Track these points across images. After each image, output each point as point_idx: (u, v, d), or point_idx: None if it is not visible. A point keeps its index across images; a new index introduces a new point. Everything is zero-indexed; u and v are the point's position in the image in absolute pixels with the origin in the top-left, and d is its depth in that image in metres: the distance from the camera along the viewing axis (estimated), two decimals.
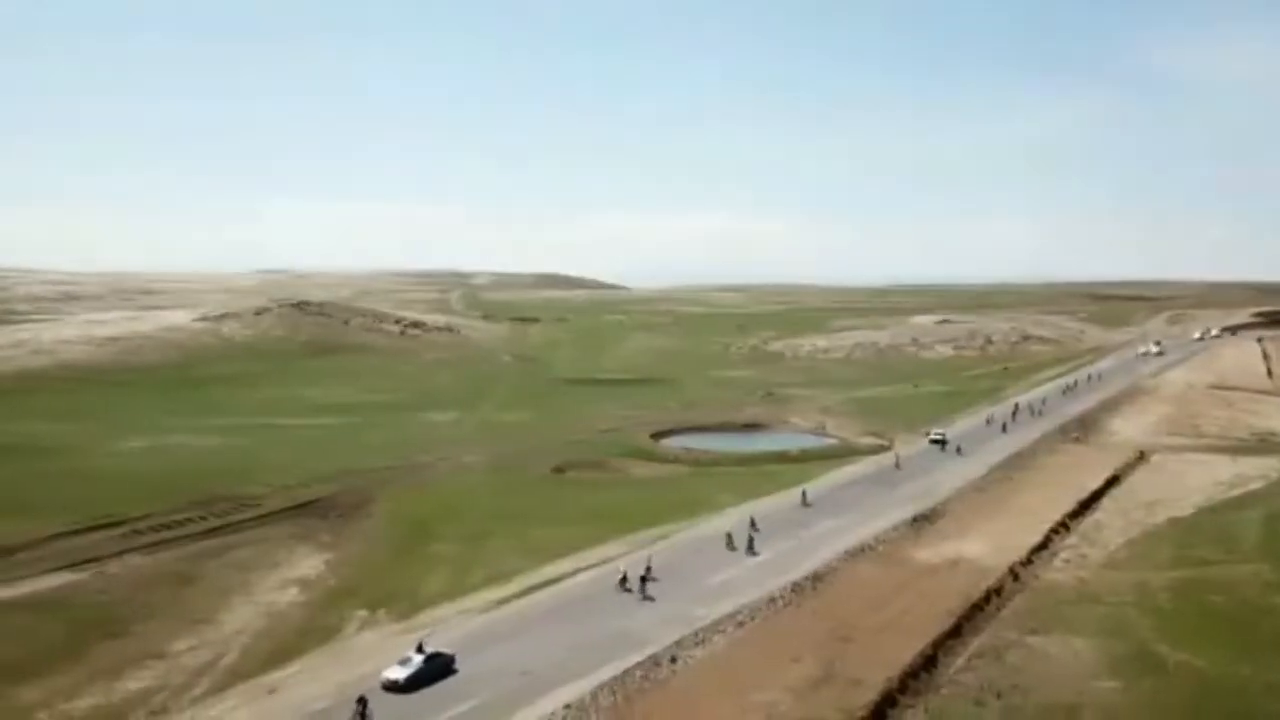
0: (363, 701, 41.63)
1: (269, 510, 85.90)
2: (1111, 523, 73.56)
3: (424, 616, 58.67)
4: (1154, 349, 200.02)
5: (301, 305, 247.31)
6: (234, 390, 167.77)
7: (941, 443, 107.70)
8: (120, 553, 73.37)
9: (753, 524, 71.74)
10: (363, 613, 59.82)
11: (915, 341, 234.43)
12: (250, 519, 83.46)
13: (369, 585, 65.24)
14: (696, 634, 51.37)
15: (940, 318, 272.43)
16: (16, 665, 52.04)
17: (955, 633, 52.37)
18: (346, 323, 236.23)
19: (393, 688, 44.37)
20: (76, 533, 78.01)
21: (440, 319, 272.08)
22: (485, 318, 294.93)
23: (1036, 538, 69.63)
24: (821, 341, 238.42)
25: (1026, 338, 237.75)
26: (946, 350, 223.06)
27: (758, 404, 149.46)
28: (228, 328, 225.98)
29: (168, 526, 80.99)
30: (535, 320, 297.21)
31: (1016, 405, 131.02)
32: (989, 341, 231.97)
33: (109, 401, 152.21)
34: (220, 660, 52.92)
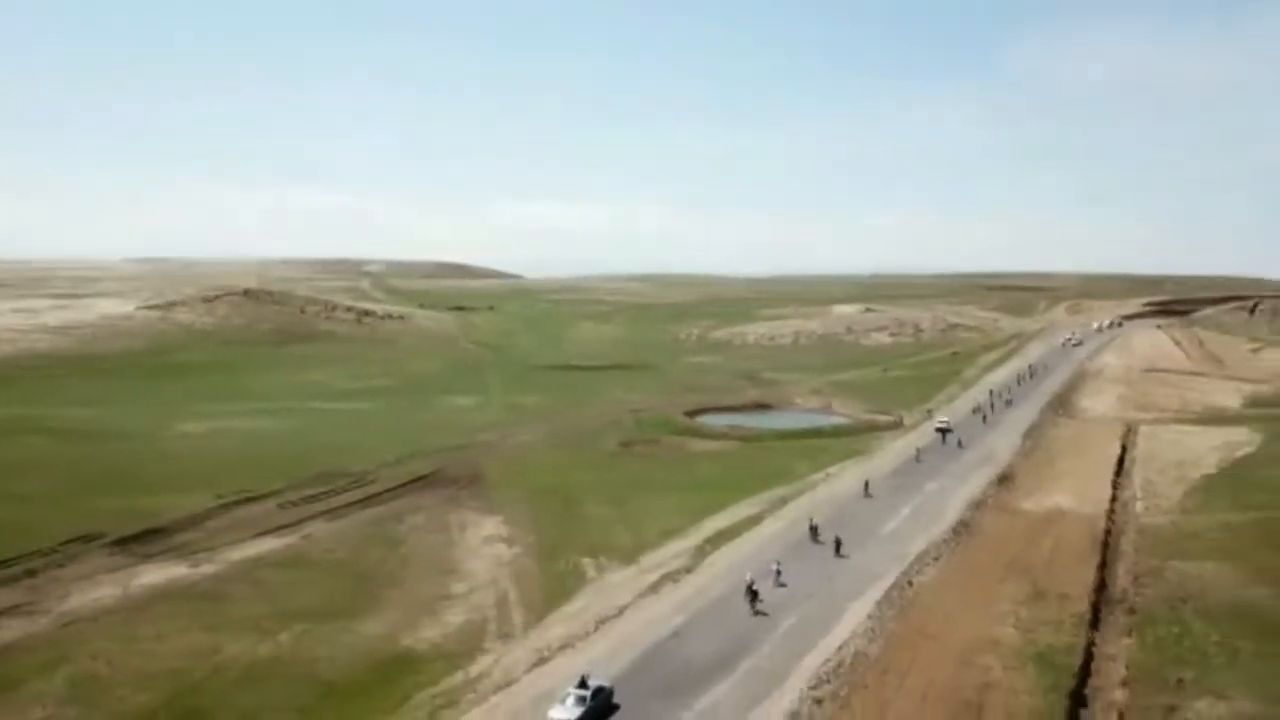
0: None
1: (393, 484, 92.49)
2: (1158, 479, 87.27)
3: (645, 561, 67.79)
4: (1074, 338, 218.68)
5: (250, 293, 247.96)
6: (228, 377, 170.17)
7: (946, 431, 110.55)
8: (301, 521, 79.98)
9: (866, 487, 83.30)
10: (587, 559, 68.51)
11: (850, 330, 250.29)
12: (384, 491, 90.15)
13: (567, 539, 73.65)
14: (910, 567, 62.16)
15: (863, 307, 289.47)
16: (334, 608, 59.37)
17: (1104, 563, 64.55)
18: (302, 311, 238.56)
19: None
20: (231, 505, 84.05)
21: (386, 308, 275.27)
22: (422, 306, 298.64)
23: (1107, 492, 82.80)
24: (762, 330, 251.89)
25: (952, 326, 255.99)
26: (884, 338, 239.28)
27: (750, 387, 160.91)
28: (183, 316, 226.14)
29: (313, 499, 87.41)
30: (471, 309, 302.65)
31: (992, 391, 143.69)
32: (919, 330, 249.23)
33: (108, 387, 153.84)
34: (507, 598, 61.26)
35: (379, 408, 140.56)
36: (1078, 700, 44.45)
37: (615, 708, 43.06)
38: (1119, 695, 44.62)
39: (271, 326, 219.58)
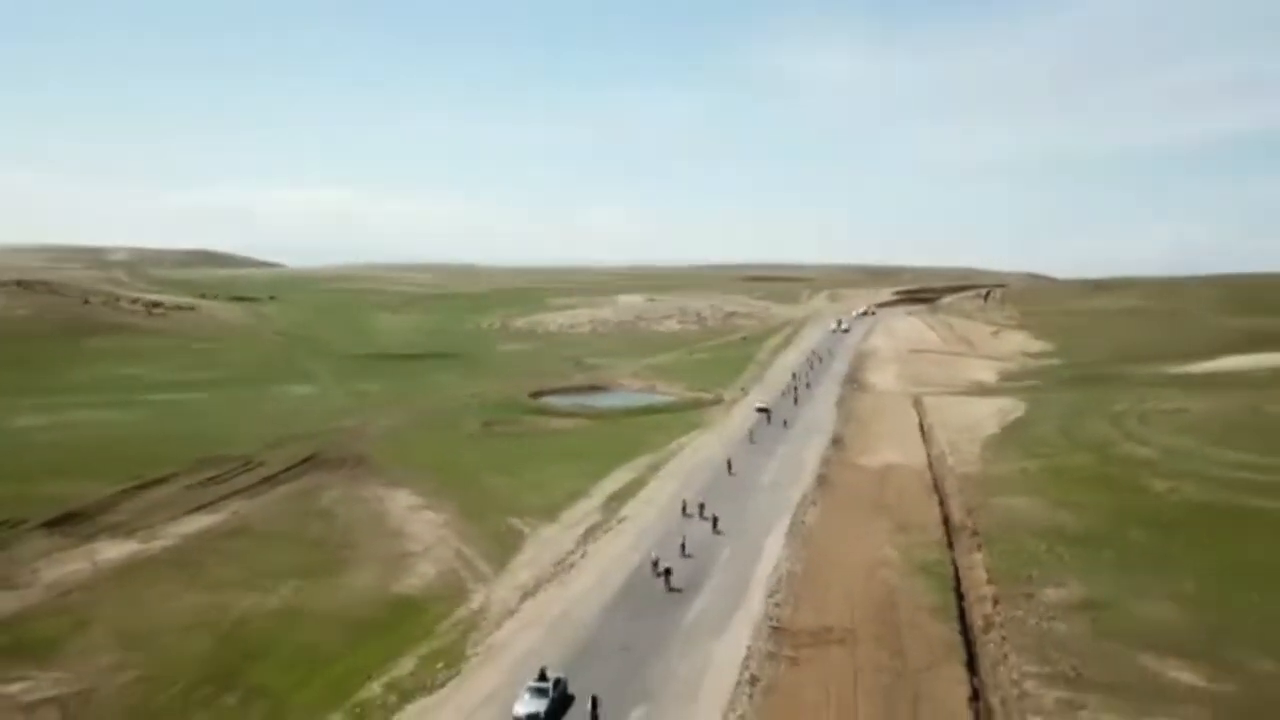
0: None
1: (285, 466, 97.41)
2: (957, 438, 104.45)
3: (565, 518, 77.59)
4: (843, 324, 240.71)
5: (24, 284, 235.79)
6: (32, 372, 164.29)
7: (767, 412, 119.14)
8: (219, 500, 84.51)
9: (729, 464, 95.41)
10: (514, 519, 77.50)
11: (641, 318, 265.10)
12: (282, 471, 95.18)
13: (484, 505, 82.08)
14: (797, 509, 75.08)
15: (647, 297, 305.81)
16: (308, 567, 66.11)
17: (941, 501, 79.82)
18: (86, 302, 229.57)
19: None
20: (136, 490, 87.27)
21: (174, 299, 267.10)
22: (204, 296, 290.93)
23: (922, 449, 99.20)
24: (561, 319, 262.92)
25: (731, 314, 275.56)
26: (674, 325, 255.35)
27: (575, 371, 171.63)
28: None
29: (216, 480, 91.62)
30: (254, 299, 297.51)
31: (794, 374, 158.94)
32: (702, 317, 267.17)
33: None
34: (462, 552, 69.62)
35: (219, 398, 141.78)
36: (959, 596, 58.28)
37: (571, 699, 43.75)
38: (988, 590, 58.70)
39: (59, 319, 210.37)
